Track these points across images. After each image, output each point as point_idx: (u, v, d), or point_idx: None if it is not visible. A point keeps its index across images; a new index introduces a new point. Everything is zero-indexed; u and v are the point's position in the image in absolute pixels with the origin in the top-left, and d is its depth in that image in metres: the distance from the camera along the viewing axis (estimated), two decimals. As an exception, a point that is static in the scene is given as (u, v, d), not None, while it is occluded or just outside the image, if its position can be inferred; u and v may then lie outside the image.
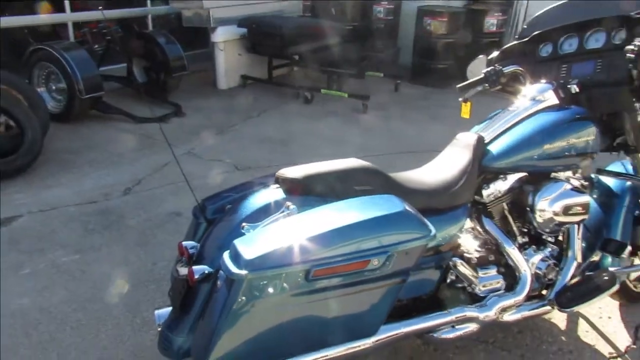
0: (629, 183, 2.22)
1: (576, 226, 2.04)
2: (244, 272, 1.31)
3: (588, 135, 1.93)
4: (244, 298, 1.34)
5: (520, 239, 2.01)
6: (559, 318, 2.32)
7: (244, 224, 1.51)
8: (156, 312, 1.67)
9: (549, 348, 2.14)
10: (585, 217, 1.96)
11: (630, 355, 2.13)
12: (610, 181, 2.25)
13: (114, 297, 2.30)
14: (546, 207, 1.88)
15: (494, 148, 1.90)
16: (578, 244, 2.04)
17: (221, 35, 5.50)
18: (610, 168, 2.30)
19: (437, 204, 1.77)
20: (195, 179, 3.32)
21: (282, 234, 1.41)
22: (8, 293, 2.29)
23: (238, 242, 1.38)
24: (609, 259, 2.13)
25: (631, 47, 1.80)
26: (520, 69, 2.14)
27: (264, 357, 1.44)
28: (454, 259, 1.78)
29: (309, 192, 1.61)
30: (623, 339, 2.21)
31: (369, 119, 4.99)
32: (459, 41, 6.11)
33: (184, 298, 1.56)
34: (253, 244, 1.38)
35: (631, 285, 2.35)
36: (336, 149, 4.05)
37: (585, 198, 1.93)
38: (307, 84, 5.56)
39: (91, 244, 2.68)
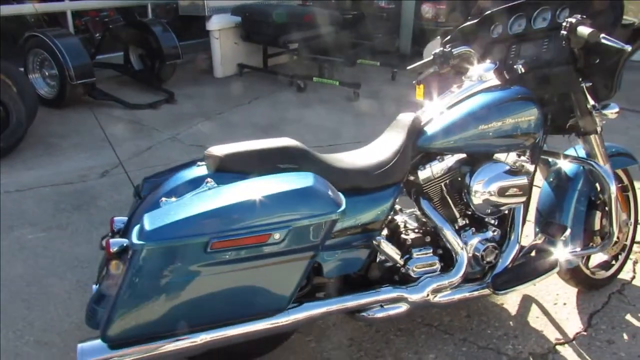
0: (582, 167, 2.17)
1: (521, 208, 2.02)
2: (142, 242, 1.34)
3: (528, 116, 1.89)
4: (143, 269, 1.36)
5: (461, 221, 1.99)
6: (511, 303, 2.29)
7: (163, 198, 1.54)
8: (94, 286, 1.71)
9: (494, 332, 2.11)
10: (523, 199, 1.93)
11: (579, 342, 2.09)
12: (566, 165, 2.19)
13: (70, 273, 2.36)
14: (481, 188, 1.86)
15: (430, 128, 1.88)
16: (520, 227, 2.01)
17: (216, 24, 5.54)
18: (568, 152, 2.25)
19: (365, 184, 1.76)
20: (173, 163, 3.36)
21: (186, 207, 1.43)
22: (-28, 267, 2.39)
23: (147, 215, 1.41)
24: (558, 243, 2.09)
25: (565, 24, 1.76)
26: (471, 50, 2.10)
27: (167, 330, 1.48)
28: (378, 238, 1.76)
29: (231, 169, 1.62)
30: (574, 326, 2.17)
31: (360, 106, 4.97)
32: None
33: (106, 270, 1.60)
34: (159, 216, 1.40)
35: (588, 272, 2.30)
36: (319, 135, 4.05)
37: (522, 180, 1.90)
38: (302, 72, 5.57)
39: (59, 223, 2.75)
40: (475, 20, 2.21)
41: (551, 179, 2.22)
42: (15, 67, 3.98)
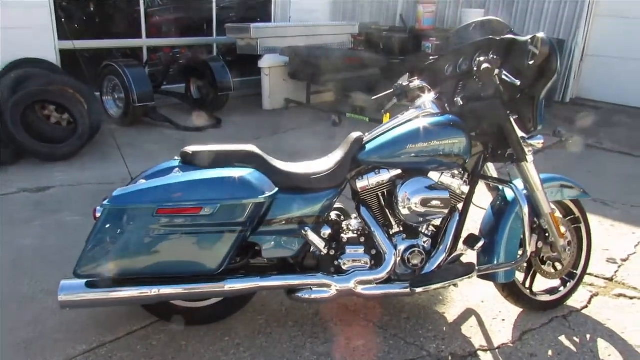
0: (525, 193, 2.39)
1: (454, 223, 2.29)
2: (107, 204, 1.82)
3: (454, 141, 2.17)
4: (106, 223, 1.85)
5: (396, 228, 2.30)
6: (452, 314, 2.51)
7: (141, 180, 2.04)
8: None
9: (425, 333, 2.35)
10: (445, 211, 2.21)
11: (501, 351, 2.27)
12: (508, 192, 2.41)
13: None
14: (405, 198, 2.17)
15: (369, 145, 2.23)
16: (450, 238, 2.27)
17: (266, 62, 6.20)
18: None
19: (303, 185, 2.15)
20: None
21: (146, 184, 1.90)
22: (17, 236, 3.01)
23: (118, 189, 1.90)
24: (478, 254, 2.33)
25: (475, 62, 2.08)
26: (425, 84, 2.45)
27: (122, 274, 1.93)
28: (306, 228, 2.12)
29: (197, 164, 2.09)
30: (504, 338, 2.35)
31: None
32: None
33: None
34: (126, 189, 1.89)
35: (527, 292, 2.48)
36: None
37: (444, 194, 2.19)
38: (340, 108, 6.05)
39: (93, 212, 3.35)
40: (432, 61, 2.56)
41: (494, 203, 2.46)
42: (88, 89, 4.79)
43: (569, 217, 2.57)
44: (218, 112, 6.00)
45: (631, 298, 2.71)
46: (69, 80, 4.77)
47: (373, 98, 2.64)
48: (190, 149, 2.13)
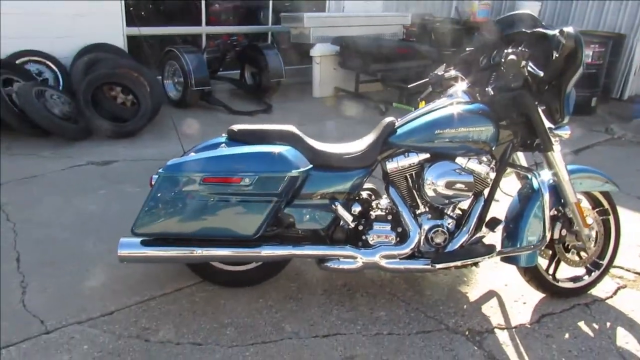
0: (551, 182, 2.47)
1: (479, 207, 2.41)
2: (161, 171, 2.09)
3: (481, 128, 2.29)
4: (160, 188, 2.12)
5: (422, 208, 2.44)
6: (475, 294, 2.64)
7: (191, 152, 2.30)
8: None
9: (446, 309, 2.50)
10: (469, 194, 2.34)
11: (518, 330, 2.39)
12: (543, 181, 2.48)
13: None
14: (431, 180, 2.32)
15: (400, 129, 2.39)
16: (474, 221, 2.40)
17: (318, 51, 6.39)
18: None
19: (335, 163, 2.34)
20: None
21: (195, 156, 2.16)
22: (86, 202, 3.38)
23: (172, 159, 2.17)
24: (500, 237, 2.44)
25: (504, 54, 2.18)
26: (459, 74, 2.57)
27: (173, 234, 2.20)
28: (336, 203, 2.31)
29: (241, 140, 2.33)
30: (522, 319, 2.46)
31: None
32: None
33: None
34: (178, 160, 2.16)
35: (549, 278, 2.56)
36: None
37: (468, 178, 2.31)
38: (388, 98, 6.17)
39: (151, 184, 3.69)
40: (469, 52, 2.67)
41: (521, 190, 2.55)
42: (151, 73, 5.17)
43: (597, 209, 2.63)
44: (269, 98, 6.28)
45: (659, 292, 2.74)
46: (134, 64, 5.17)
47: (409, 86, 2.78)
48: (235, 127, 2.37)
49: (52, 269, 2.63)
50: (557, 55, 2.10)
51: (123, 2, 5.73)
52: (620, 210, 3.60)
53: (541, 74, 2.11)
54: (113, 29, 5.67)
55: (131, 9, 5.80)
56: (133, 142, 4.58)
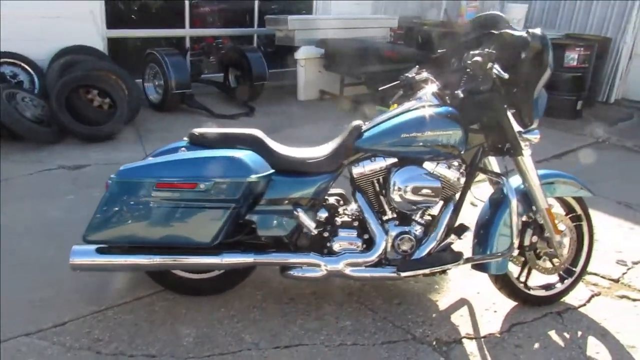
0: (522, 187, 2.41)
1: (448, 213, 2.34)
2: (113, 177, 2.02)
3: (449, 132, 2.22)
4: (112, 194, 2.04)
5: (390, 214, 2.37)
6: (445, 302, 2.57)
7: (149, 157, 2.23)
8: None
9: (414, 318, 2.42)
10: (436, 199, 2.27)
11: (487, 340, 2.32)
12: (511, 186, 2.42)
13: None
14: (398, 186, 2.25)
15: (366, 133, 2.32)
16: (442, 227, 2.33)
17: (302, 53, 6.33)
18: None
19: (299, 168, 2.27)
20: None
21: (150, 161, 2.09)
22: (52, 208, 3.29)
23: (126, 164, 2.09)
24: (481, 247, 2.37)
25: (468, 55, 2.12)
26: (430, 76, 2.51)
27: (126, 242, 2.12)
28: (298, 209, 2.23)
29: (202, 144, 2.26)
30: (492, 328, 2.39)
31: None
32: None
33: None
34: (131, 165, 2.08)
35: (521, 286, 2.50)
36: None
37: (435, 184, 2.24)
38: (372, 101, 6.11)
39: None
40: (440, 53, 2.61)
41: (492, 196, 2.49)
42: (129, 76, 5.09)
43: (570, 215, 2.57)
44: (253, 101, 6.20)
45: (634, 300, 2.68)
46: (112, 66, 5.09)
47: (380, 89, 2.72)
48: (197, 130, 2.30)
49: (6, 278, 2.53)
50: (523, 57, 2.04)
51: (103, 3, 5.65)
52: (600, 215, 3.59)
53: (506, 75, 2.05)
54: (93, 31, 5.58)
55: (111, 10, 5.72)
56: (108, 146, 4.49)
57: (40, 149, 4.28)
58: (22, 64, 4.98)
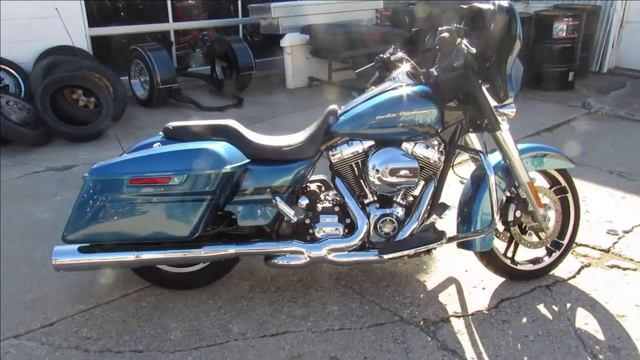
0: (502, 163, 2.39)
1: (429, 193, 2.32)
2: (86, 175, 2.01)
3: (424, 111, 2.20)
4: (86, 192, 2.03)
5: (371, 198, 2.36)
6: (433, 282, 2.56)
7: (124, 154, 2.21)
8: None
9: (401, 300, 2.42)
10: (414, 180, 2.25)
11: (474, 317, 2.31)
12: (489, 162, 2.40)
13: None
14: (375, 169, 2.23)
15: (342, 117, 2.30)
16: (424, 207, 2.32)
17: (288, 41, 6.28)
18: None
19: (275, 156, 2.26)
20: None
21: (124, 157, 2.07)
22: (39, 209, 3.29)
23: (99, 162, 2.08)
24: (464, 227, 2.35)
25: (437, 33, 2.09)
26: (405, 56, 2.48)
27: (105, 240, 2.11)
28: (277, 197, 2.22)
29: (176, 138, 2.24)
30: (479, 305, 2.39)
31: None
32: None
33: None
34: (105, 162, 2.07)
35: (507, 261, 2.49)
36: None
37: (412, 164, 2.23)
38: (365, 84, 6.07)
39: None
40: (414, 32, 2.58)
41: (473, 173, 2.47)
42: (113, 74, 5.06)
43: (555, 187, 2.55)
44: (241, 92, 6.16)
45: (624, 269, 2.66)
46: (95, 65, 5.07)
47: (356, 72, 2.69)
48: (171, 124, 2.28)
49: (-4, 282, 2.55)
50: (492, 29, 2.01)
51: (83, 2, 5.60)
52: (591, 185, 3.57)
53: (474, 50, 2.02)
54: (74, 31, 5.52)
55: (92, 8, 5.67)
56: (95, 145, 4.48)
57: (28, 152, 4.28)
58: (6, 68, 4.97)
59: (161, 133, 2.32)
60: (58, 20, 5.34)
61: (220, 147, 2.09)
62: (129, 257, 2.15)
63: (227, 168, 2.03)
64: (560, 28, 5.98)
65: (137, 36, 6.27)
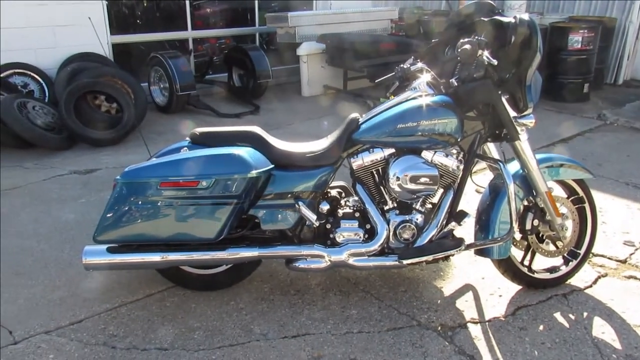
0: (521, 172, 2.43)
1: (448, 200, 2.37)
2: (118, 178, 2.09)
3: (444, 120, 2.25)
4: (118, 195, 2.11)
5: (391, 204, 2.41)
6: (450, 288, 2.60)
7: (153, 158, 2.29)
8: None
9: (419, 305, 2.47)
10: (434, 187, 2.30)
11: (491, 324, 2.35)
12: (508, 171, 2.44)
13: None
14: (396, 176, 2.28)
15: (363, 125, 2.36)
16: (443, 214, 2.36)
17: (304, 50, 6.37)
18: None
19: (298, 162, 2.32)
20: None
21: (153, 162, 2.15)
22: (65, 211, 3.39)
23: (130, 166, 2.16)
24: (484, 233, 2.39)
25: (458, 44, 2.15)
26: (425, 66, 2.54)
27: (135, 241, 2.19)
28: (300, 202, 2.28)
29: (203, 143, 2.32)
30: (497, 312, 2.42)
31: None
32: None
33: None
34: (136, 166, 2.15)
35: (524, 269, 2.52)
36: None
37: (432, 172, 2.28)
38: (381, 93, 6.13)
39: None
40: (434, 43, 2.63)
41: (492, 182, 2.51)
42: (134, 80, 5.18)
43: (572, 197, 2.58)
44: (257, 99, 6.26)
45: (640, 279, 2.68)
46: (117, 72, 5.18)
47: (376, 81, 2.76)
48: (197, 130, 2.36)
49: (24, 280, 2.63)
50: (512, 42, 2.06)
51: (106, 10, 5.74)
52: (607, 196, 3.59)
53: (495, 62, 2.08)
54: (97, 38, 5.66)
55: (114, 16, 5.80)
56: (117, 150, 4.58)
57: (52, 155, 4.39)
58: (32, 74, 5.11)
59: (188, 138, 2.40)
60: (82, 28, 5.52)
61: (246, 152, 2.16)
62: (156, 257, 2.22)
63: (253, 173, 2.10)
64: (576, 40, 6.01)
65: (155, 44, 6.40)
